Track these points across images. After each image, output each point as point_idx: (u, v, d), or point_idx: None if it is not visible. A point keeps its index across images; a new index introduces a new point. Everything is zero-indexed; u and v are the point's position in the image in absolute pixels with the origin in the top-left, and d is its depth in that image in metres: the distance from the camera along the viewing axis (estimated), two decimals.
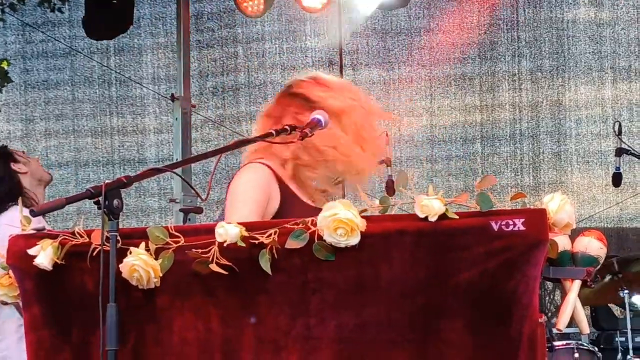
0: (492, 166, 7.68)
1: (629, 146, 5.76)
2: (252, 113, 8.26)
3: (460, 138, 7.88)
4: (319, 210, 2.57)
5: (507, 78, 7.82)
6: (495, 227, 2.51)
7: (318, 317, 2.56)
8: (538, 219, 2.51)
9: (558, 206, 2.53)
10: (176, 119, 7.76)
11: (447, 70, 7.90)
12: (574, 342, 5.00)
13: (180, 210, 6.78)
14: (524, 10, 7.73)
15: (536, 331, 2.54)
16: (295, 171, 3.14)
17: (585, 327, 2.76)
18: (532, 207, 2.56)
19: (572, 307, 2.66)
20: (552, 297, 6.80)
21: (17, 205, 4.16)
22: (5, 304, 2.80)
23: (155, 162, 8.36)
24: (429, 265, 2.54)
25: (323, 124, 3.07)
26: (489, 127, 7.83)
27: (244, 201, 3.01)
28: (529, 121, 7.81)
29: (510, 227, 2.51)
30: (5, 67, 8.95)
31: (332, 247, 2.53)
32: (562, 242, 2.63)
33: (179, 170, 2.96)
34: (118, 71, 8.56)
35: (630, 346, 5.21)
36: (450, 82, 7.91)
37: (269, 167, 3.09)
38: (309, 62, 8.05)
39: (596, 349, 5.13)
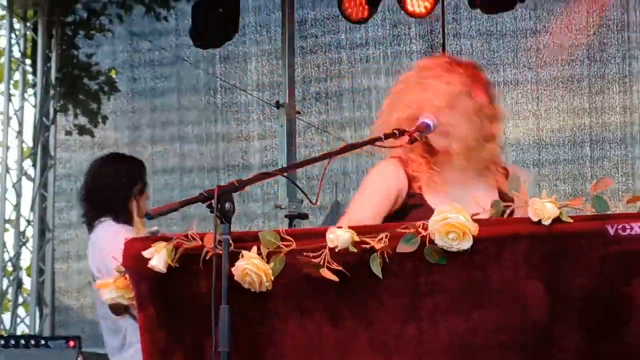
0: (602, 170, 7.52)
1: None
2: (356, 119, 8.27)
3: (568, 141, 7.73)
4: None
5: (617, 80, 7.65)
6: (612, 231, 2.46)
7: (430, 321, 2.54)
8: None
9: None
10: (281, 125, 7.83)
11: (555, 72, 7.76)
12: None
13: (286, 216, 6.84)
14: (635, 11, 7.55)
15: None
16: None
17: None
18: None
19: None
20: None
21: (109, 221, 4.28)
22: (118, 307, 2.85)
23: (259, 168, 8.44)
24: (542, 269, 2.50)
25: (432, 128, 3.06)
26: (598, 130, 7.67)
27: (366, 192, 3.10)
28: None
29: (627, 231, 2.45)
30: (113, 76, 9.18)
31: (444, 251, 2.51)
32: None
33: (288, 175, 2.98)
34: (223, 79, 8.67)
35: None
36: (557, 84, 7.77)
37: (400, 161, 3.12)
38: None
39: None
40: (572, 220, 2.49)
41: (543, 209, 2.47)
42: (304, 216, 6.54)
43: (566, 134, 7.74)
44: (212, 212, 2.55)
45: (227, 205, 2.55)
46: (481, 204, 2.60)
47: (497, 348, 2.51)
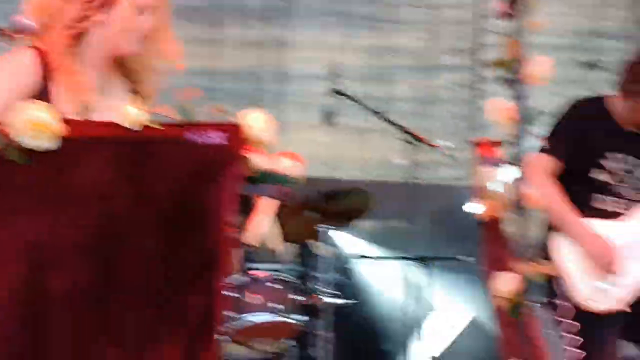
0: (215, 101, 7.70)
1: (344, 88, 6.02)
2: None
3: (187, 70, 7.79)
4: None
5: (232, 13, 7.81)
6: (194, 139, 2.57)
7: (7, 221, 2.50)
8: (234, 133, 2.59)
9: (254, 122, 2.62)
10: None
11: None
12: (272, 272, 4.84)
13: None
14: None
15: (229, 244, 2.62)
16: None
17: (279, 245, 2.88)
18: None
19: (262, 223, 2.75)
20: None
21: None
22: None
23: None
24: (126, 174, 2.55)
25: (28, 29, 2.98)
26: (216, 62, 7.81)
27: None
28: (253, 59, 7.86)
29: (208, 140, 2.57)
30: None
31: (28, 150, 2.48)
32: (258, 161, 2.71)
33: None
34: None
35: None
36: (175, 13, 7.80)
37: (39, 52, 2.83)
38: None
39: (294, 279, 5.01)
40: (158, 127, 2.56)
41: (129, 113, 2.52)
42: None
43: (184, 62, 7.79)
44: None
45: None
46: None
47: (76, 249, 2.52)
